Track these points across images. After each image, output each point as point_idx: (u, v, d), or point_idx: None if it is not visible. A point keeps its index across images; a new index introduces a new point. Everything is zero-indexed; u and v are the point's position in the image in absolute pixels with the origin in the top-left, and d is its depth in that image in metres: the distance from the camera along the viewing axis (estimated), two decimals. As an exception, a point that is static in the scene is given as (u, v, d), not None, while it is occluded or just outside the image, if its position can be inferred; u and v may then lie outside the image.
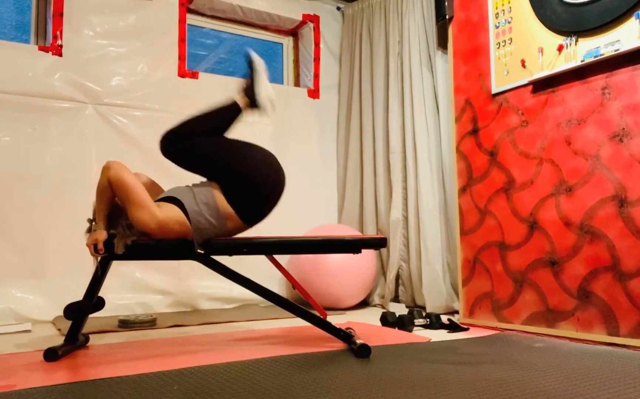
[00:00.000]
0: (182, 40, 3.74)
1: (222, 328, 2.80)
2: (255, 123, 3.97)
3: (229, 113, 2.32)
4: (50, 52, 3.30)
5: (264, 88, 2.35)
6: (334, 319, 2.99)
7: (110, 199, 2.10)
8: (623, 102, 2.30)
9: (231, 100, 2.33)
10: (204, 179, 2.31)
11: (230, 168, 2.22)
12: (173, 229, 2.12)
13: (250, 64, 2.36)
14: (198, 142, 2.24)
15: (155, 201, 2.16)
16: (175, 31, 3.73)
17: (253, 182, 2.22)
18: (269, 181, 2.28)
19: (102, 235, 2.06)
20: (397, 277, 3.81)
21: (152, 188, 2.33)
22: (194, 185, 2.27)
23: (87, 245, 2.07)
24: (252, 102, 2.34)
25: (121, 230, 2.09)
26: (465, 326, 2.75)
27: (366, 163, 4.05)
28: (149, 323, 2.88)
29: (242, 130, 3.90)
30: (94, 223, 2.13)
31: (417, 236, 3.62)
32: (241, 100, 2.33)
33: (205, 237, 2.21)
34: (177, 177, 3.48)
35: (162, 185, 2.44)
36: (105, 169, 2.08)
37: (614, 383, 1.63)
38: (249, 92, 2.34)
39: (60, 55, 3.32)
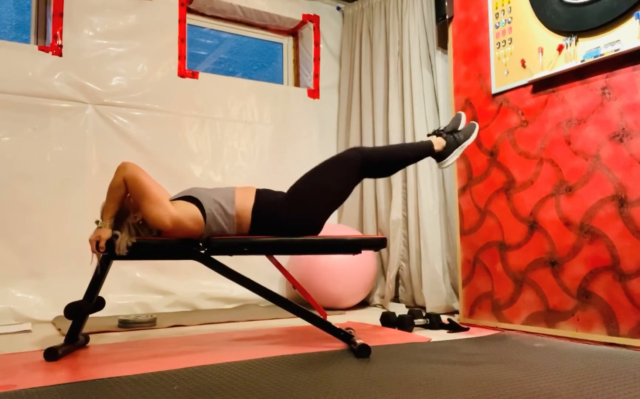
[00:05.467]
0: (182, 40, 3.74)
1: (222, 328, 2.80)
2: (255, 123, 3.97)
3: (422, 153, 2.46)
4: (50, 52, 3.29)
5: (459, 154, 2.49)
6: (334, 319, 2.99)
7: (121, 199, 2.11)
8: (623, 102, 2.30)
9: (429, 143, 2.46)
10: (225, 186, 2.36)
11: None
12: (187, 226, 2.13)
13: (472, 130, 2.51)
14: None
15: (171, 199, 2.18)
16: (175, 31, 3.73)
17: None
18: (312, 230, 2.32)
19: (106, 233, 2.06)
20: (397, 277, 3.81)
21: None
22: (216, 189, 2.29)
23: (90, 240, 2.08)
24: (444, 155, 2.47)
25: (127, 229, 2.10)
26: (465, 326, 2.75)
27: (366, 163, 4.04)
28: (149, 323, 2.88)
29: (241, 131, 3.92)
30: (101, 220, 2.13)
31: (417, 236, 3.62)
32: (438, 146, 2.46)
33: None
34: (176, 177, 3.50)
35: (163, 185, 2.43)
36: (121, 169, 2.10)
37: (614, 383, 1.63)
38: (452, 146, 2.46)
39: (60, 55, 3.32)
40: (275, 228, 2.23)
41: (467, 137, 2.48)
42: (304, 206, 2.25)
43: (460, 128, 2.52)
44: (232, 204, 2.20)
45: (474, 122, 2.55)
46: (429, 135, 2.54)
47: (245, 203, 2.22)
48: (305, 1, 4.29)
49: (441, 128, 2.55)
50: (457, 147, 2.45)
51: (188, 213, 2.13)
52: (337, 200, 2.34)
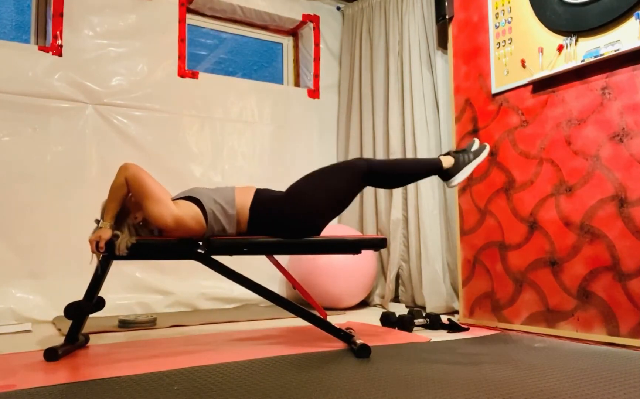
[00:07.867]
0: (182, 40, 3.74)
1: (222, 328, 2.80)
2: (255, 123, 3.97)
3: (430, 170, 2.41)
4: (50, 52, 3.29)
5: (467, 173, 2.42)
6: (334, 319, 2.99)
7: (122, 199, 2.12)
8: (623, 102, 2.30)
9: (438, 160, 2.41)
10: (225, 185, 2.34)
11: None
12: (189, 225, 2.13)
13: (482, 149, 2.44)
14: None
15: (173, 199, 2.18)
16: (175, 31, 3.73)
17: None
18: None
19: (106, 233, 2.07)
20: (397, 277, 3.82)
21: None
22: (217, 188, 2.29)
23: (90, 241, 2.08)
24: (452, 174, 2.40)
25: (127, 230, 2.10)
26: (465, 326, 2.75)
27: (366, 163, 4.05)
28: (149, 323, 2.88)
29: (241, 131, 3.92)
30: (101, 221, 2.13)
31: (417, 236, 3.62)
32: (446, 164, 2.40)
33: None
34: (177, 177, 3.50)
35: (163, 185, 2.43)
36: (123, 169, 2.11)
37: (614, 383, 1.63)
38: (460, 165, 2.40)
39: (60, 55, 3.32)
40: (273, 226, 2.21)
41: (476, 156, 2.43)
42: (302, 204, 2.23)
43: (472, 149, 2.46)
44: (232, 203, 2.21)
45: (485, 143, 2.50)
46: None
47: (245, 201, 2.23)
48: (305, 1, 4.29)
49: (453, 150, 2.51)
50: (465, 165, 2.40)
51: (190, 212, 2.14)
52: (336, 202, 2.30)
